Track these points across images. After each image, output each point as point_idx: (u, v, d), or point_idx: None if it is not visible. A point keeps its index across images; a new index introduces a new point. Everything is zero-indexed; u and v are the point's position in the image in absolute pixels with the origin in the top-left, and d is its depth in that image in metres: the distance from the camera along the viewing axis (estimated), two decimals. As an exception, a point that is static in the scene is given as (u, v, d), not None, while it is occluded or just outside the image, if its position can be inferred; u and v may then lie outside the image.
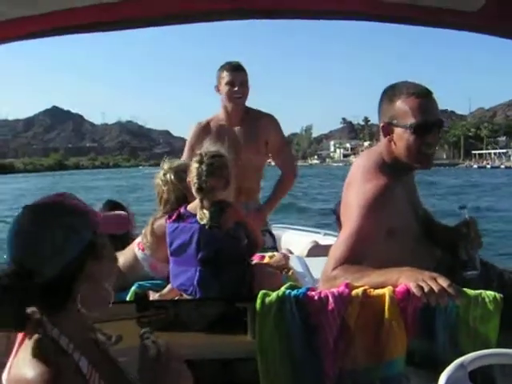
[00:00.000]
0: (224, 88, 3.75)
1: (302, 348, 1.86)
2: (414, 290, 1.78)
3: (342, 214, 2.25)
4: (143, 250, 3.06)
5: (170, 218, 2.75)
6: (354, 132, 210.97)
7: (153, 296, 2.75)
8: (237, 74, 3.76)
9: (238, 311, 2.12)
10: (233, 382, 2.33)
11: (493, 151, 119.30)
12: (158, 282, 2.91)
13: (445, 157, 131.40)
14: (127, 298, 2.76)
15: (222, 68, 3.80)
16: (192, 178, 2.63)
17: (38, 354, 1.24)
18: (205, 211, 2.58)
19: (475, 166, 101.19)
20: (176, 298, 2.70)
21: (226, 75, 3.75)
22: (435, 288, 1.76)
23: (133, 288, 2.78)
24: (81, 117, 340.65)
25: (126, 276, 3.02)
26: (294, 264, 3.17)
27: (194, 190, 2.64)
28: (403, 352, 1.82)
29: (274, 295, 1.88)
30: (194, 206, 2.69)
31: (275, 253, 3.24)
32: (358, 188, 2.19)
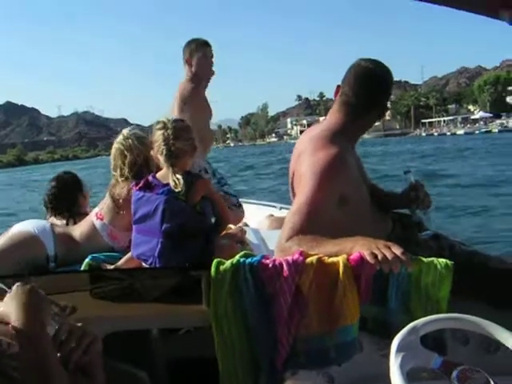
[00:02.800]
0: (202, 62, 3.97)
1: (256, 316, 1.86)
2: (368, 257, 1.79)
3: (295, 185, 2.25)
4: (102, 219, 3.01)
5: (136, 185, 2.69)
6: (311, 108, 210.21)
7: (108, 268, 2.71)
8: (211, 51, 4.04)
9: (193, 280, 2.09)
10: (189, 351, 2.33)
11: (442, 119, 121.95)
12: (114, 254, 2.87)
13: (398, 127, 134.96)
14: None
15: (202, 43, 4.01)
16: (159, 145, 2.58)
17: None
18: (178, 177, 2.52)
19: (424, 134, 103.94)
20: (131, 267, 2.67)
21: (208, 51, 4.00)
22: (388, 255, 1.78)
23: (86, 260, 2.73)
24: (36, 110, 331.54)
25: (82, 247, 2.99)
26: (250, 236, 3.17)
27: (162, 158, 2.57)
28: (356, 318, 1.84)
29: (228, 263, 1.87)
30: (163, 173, 2.64)
31: (231, 225, 3.23)
32: (309, 157, 2.19)
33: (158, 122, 2.62)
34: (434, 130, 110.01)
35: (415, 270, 1.85)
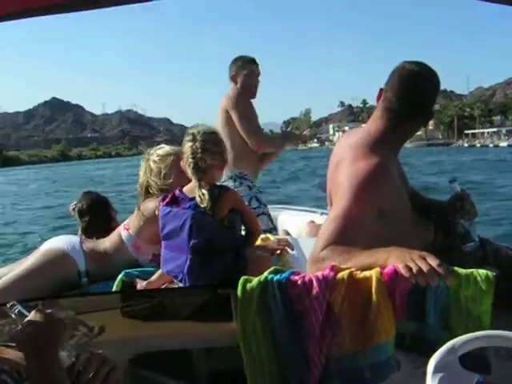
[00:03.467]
0: (248, 80, 4.00)
1: (286, 335, 1.78)
2: (403, 270, 1.70)
3: (332, 194, 2.17)
4: (128, 229, 3.02)
5: (163, 200, 2.63)
6: (353, 115, 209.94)
7: (140, 284, 2.68)
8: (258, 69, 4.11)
9: (222, 298, 2.03)
10: (220, 370, 2.27)
11: (486, 130, 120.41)
12: (147, 269, 2.84)
13: (440, 137, 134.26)
14: (114, 287, 2.69)
15: (249, 61, 4.04)
16: (186, 158, 2.51)
17: None
18: (204, 191, 2.45)
19: (466, 145, 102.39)
20: (162, 287, 2.63)
21: (255, 68, 4.04)
22: (424, 268, 1.68)
23: (120, 276, 2.68)
24: (81, 107, 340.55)
25: (112, 260, 2.99)
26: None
27: (189, 171, 2.51)
28: (392, 336, 1.74)
29: (255, 281, 1.80)
30: (189, 188, 2.57)
31: (268, 235, 3.15)
32: (349, 166, 2.10)
33: (188, 134, 2.56)
34: (477, 141, 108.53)
35: (454, 282, 1.74)
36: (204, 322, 2.09)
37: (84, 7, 1.96)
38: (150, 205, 2.91)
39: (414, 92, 2.17)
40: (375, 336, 1.72)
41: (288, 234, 4.13)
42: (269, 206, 4.33)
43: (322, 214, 4.77)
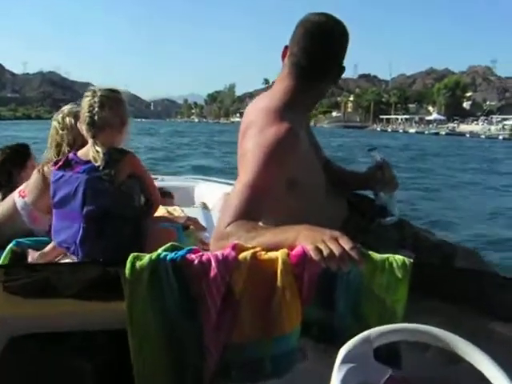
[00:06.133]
0: None
1: (179, 321, 1.57)
2: (312, 253, 1.51)
3: (238, 165, 1.96)
4: (24, 197, 2.72)
5: (55, 164, 2.39)
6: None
7: (32, 255, 2.42)
8: None
9: (113, 277, 1.79)
10: (109, 354, 2.05)
11: (400, 117, 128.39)
12: (41, 238, 2.58)
13: (358, 120, 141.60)
14: (2, 257, 2.42)
15: None
16: (83, 113, 2.31)
17: None
18: (98, 149, 2.23)
19: (378, 129, 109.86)
20: (56, 259, 2.37)
21: None
22: (336, 251, 1.50)
23: (10, 245, 2.44)
24: (0, 65, 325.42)
25: (3, 229, 2.70)
26: (201, 219, 2.91)
27: (84, 128, 2.29)
28: (297, 325, 1.56)
29: (146, 258, 1.56)
30: (84, 151, 2.34)
31: (176, 207, 2.94)
32: (255, 133, 1.89)
33: (88, 91, 2.37)
34: (389, 126, 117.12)
35: (367, 268, 1.58)
36: (91, 302, 1.83)
37: None
38: (50, 169, 2.64)
39: (322, 45, 1.96)
40: (279, 324, 1.53)
41: (205, 206, 3.99)
42: (185, 177, 4.19)
43: None
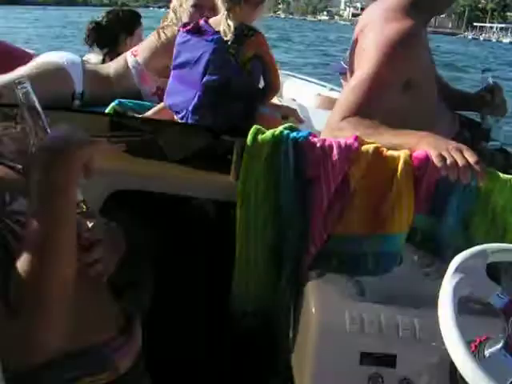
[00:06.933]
0: None
1: (290, 201, 1.56)
2: (435, 159, 1.46)
3: (355, 60, 1.87)
4: (136, 55, 2.73)
5: (184, 26, 2.36)
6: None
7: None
8: None
9: (225, 146, 1.78)
10: (210, 224, 2.09)
11: (495, 25, 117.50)
12: (144, 103, 2.58)
13: (450, 26, 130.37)
14: None
15: None
16: None
17: None
18: (230, 23, 2.19)
19: (470, 37, 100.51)
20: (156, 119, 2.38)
21: None
22: (460, 161, 1.45)
23: (112, 104, 2.42)
24: None
25: (113, 86, 2.74)
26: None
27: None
28: (406, 228, 1.53)
29: (268, 133, 1.54)
30: (216, 20, 2.30)
31: (276, 99, 2.89)
32: (377, 30, 1.78)
33: None
34: (482, 34, 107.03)
35: (487, 185, 1.52)
36: (198, 170, 1.85)
37: None
38: (170, 32, 2.64)
39: None
40: (389, 223, 1.51)
41: (294, 100, 3.89)
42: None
43: (331, 89, 4.45)
